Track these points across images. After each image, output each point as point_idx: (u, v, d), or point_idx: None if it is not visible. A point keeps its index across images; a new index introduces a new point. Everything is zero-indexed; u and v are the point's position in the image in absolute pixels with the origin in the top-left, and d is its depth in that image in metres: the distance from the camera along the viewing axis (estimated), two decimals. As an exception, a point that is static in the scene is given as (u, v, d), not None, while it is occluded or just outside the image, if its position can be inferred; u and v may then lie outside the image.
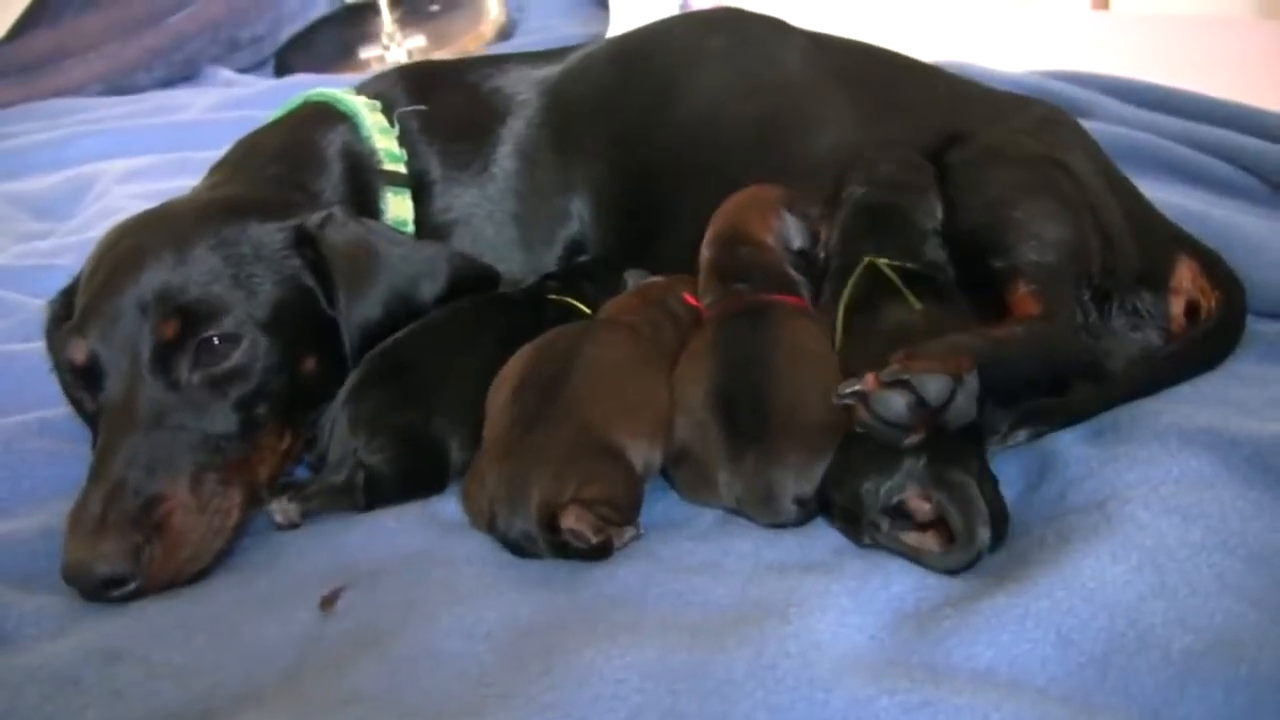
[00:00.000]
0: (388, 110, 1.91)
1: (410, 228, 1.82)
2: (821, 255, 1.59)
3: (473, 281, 1.69)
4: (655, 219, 1.84)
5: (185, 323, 1.43)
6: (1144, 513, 1.21)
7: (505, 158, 1.92)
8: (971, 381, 1.19)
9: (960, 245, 1.55)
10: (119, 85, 4.12)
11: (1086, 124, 1.94)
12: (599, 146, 1.93)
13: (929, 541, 1.21)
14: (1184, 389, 1.51)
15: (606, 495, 1.25)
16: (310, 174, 1.79)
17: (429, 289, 1.63)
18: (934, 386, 1.17)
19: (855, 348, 1.40)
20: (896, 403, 1.17)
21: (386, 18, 4.32)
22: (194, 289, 1.45)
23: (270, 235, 1.53)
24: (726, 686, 1.00)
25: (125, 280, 1.45)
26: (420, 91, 1.97)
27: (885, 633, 1.09)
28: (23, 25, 4.46)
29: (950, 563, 1.18)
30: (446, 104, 1.96)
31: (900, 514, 1.21)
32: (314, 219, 1.56)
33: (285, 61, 4.32)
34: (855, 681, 1.00)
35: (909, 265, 1.48)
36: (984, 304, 1.51)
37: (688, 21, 2.10)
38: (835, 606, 1.10)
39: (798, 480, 1.28)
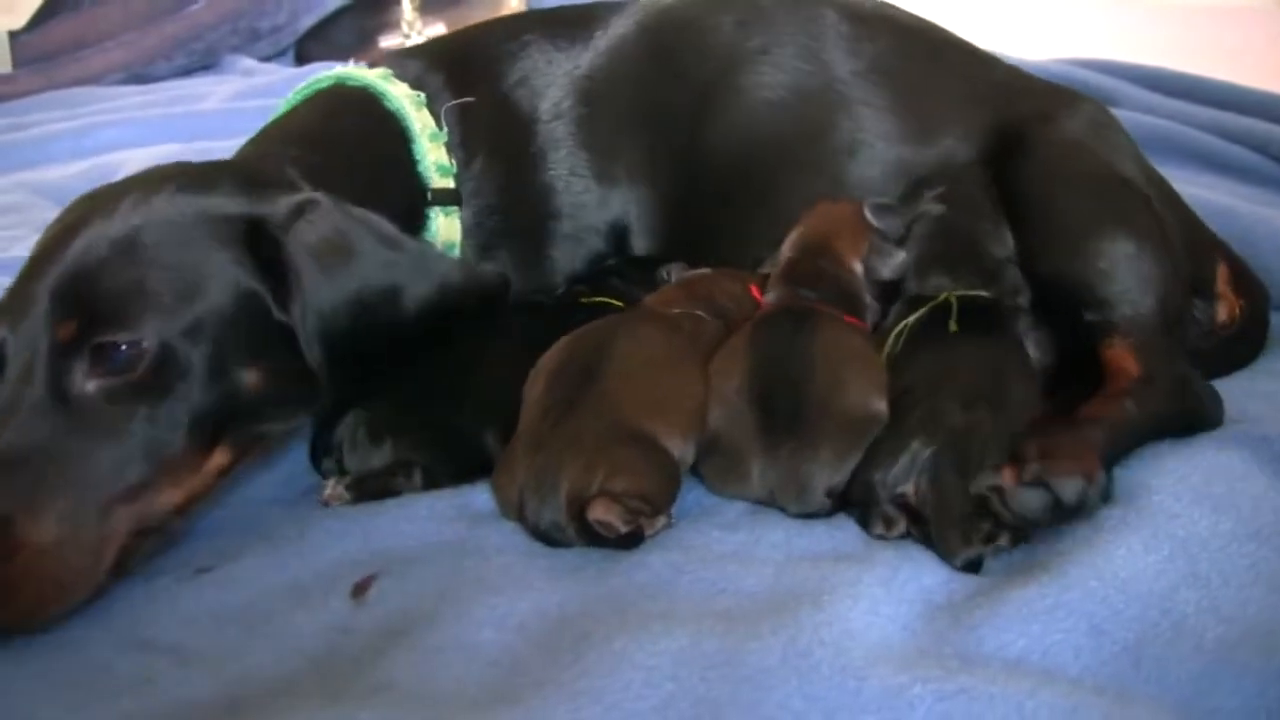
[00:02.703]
0: (431, 104, 1.71)
1: (457, 251, 1.66)
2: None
3: (471, 294, 1.50)
4: (694, 240, 1.76)
5: (85, 322, 1.24)
6: (1175, 503, 1.21)
7: (543, 177, 1.76)
8: (1102, 479, 1.21)
9: (1041, 286, 1.54)
10: (139, 74, 4.14)
11: (1113, 111, 1.94)
12: (639, 165, 1.80)
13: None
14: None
15: (636, 488, 1.25)
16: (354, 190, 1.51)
17: (411, 300, 1.41)
18: (1071, 490, 1.18)
19: (906, 367, 1.40)
20: (1035, 502, 1.18)
21: (407, 6, 4.31)
22: (106, 280, 1.26)
23: (222, 223, 1.33)
24: (760, 674, 1.00)
25: (47, 261, 1.29)
26: (457, 81, 1.76)
27: (918, 622, 1.09)
28: (43, 14, 4.48)
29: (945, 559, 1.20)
30: (481, 101, 1.76)
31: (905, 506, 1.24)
32: (284, 206, 1.35)
33: (305, 50, 4.33)
34: (888, 670, 1.00)
35: (984, 294, 1.47)
36: (1065, 342, 1.53)
37: (719, 10, 1.90)
38: (868, 595, 1.10)
39: (831, 473, 1.29)
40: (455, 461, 1.40)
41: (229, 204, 1.35)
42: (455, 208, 1.67)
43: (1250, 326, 1.68)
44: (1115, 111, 2.01)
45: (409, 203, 1.63)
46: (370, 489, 1.38)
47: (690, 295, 1.56)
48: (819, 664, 1.01)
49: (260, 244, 1.33)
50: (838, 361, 1.38)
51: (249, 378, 1.31)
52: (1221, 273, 1.69)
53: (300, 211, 1.34)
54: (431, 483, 1.39)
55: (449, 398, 1.43)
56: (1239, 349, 1.66)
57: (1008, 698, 0.96)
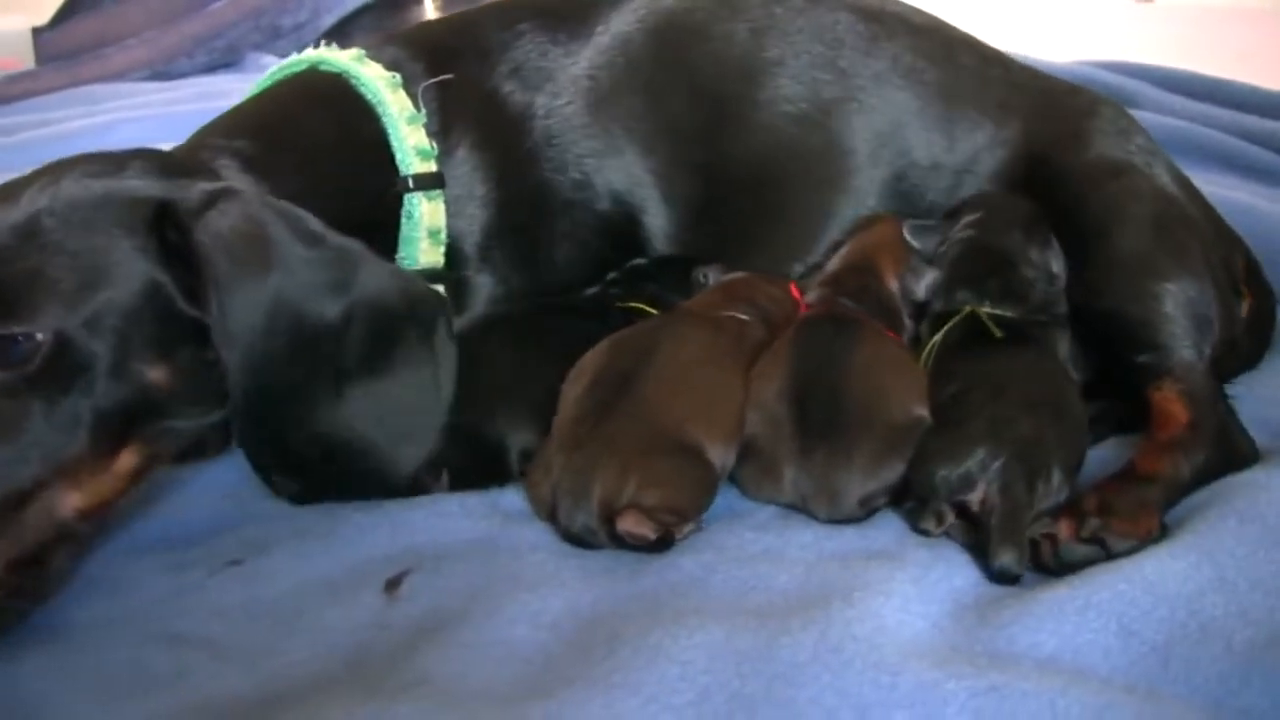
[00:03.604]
0: (409, 86, 1.61)
1: (444, 236, 1.58)
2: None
3: (402, 302, 1.37)
4: (709, 248, 1.71)
5: None
6: (1199, 519, 1.23)
7: (539, 175, 1.67)
8: (1154, 535, 1.23)
9: (1095, 322, 1.54)
10: (161, 72, 4.14)
11: (1135, 114, 1.94)
12: (650, 173, 1.71)
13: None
14: (1238, 389, 1.55)
15: (668, 501, 1.25)
16: (322, 186, 1.46)
17: (332, 306, 1.29)
18: (1124, 547, 1.20)
19: (947, 373, 1.42)
20: (1086, 556, 1.19)
21: (428, 5, 4.33)
22: (3, 268, 1.18)
23: (128, 207, 1.23)
24: (793, 669, 1.01)
25: None
26: (440, 69, 1.66)
27: (948, 620, 1.10)
28: (65, 11, 4.50)
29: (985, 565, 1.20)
30: (468, 90, 1.67)
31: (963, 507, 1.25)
32: (197, 192, 1.25)
33: (326, 48, 4.33)
34: (921, 665, 1.01)
35: (1008, 315, 1.48)
36: (1104, 366, 1.53)
37: (730, 16, 1.81)
38: (900, 593, 1.11)
39: (864, 481, 1.29)
40: (483, 467, 1.40)
41: (138, 188, 1.26)
42: (439, 191, 1.59)
43: (1256, 323, 1.68)
44: (1137, 113, 2.01)
45: (384, 190, 1.56)
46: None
47: (732, 298, 1.55)
48: (851, 659, 1.01)
49: (169, 231, 1.24)
50: (879, 369, 1.39)
51: (155, 373, 1.24)
52: (1241, 270, 1.70)
53: (214, 199, 1.25)
54: (458, 485, 1.39)
55: (483, 402, 1.42)
56: (1246, 346, 1.66)
57: (1040, 695, 0.97)
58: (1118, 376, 1.50)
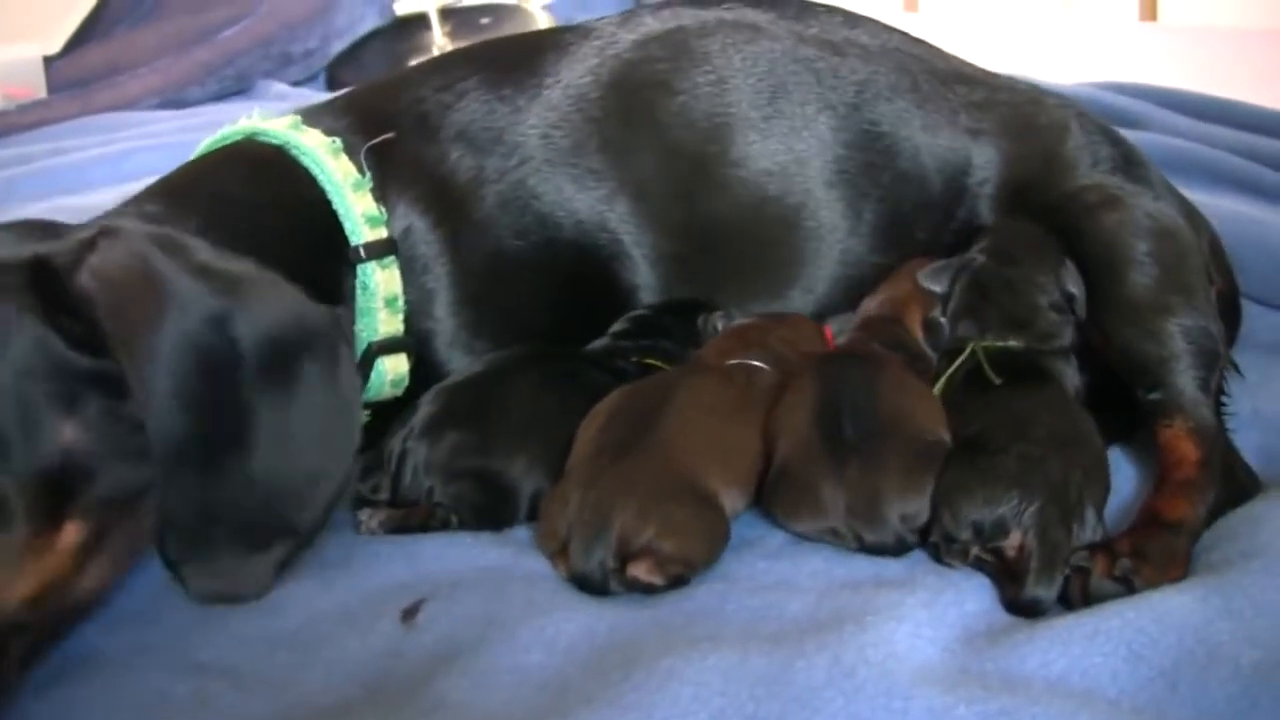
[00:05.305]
0: (350, 151, 1.53)
1: (401, 304, 1.52)
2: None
3: (302, 327, 1.28)
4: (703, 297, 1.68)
5: None
6: (1206, 556, 1.26)
7: (495, 242, 1.60)
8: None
9: (1107, 358, 1.54)
10: (172, 99, 4.15)
11: (1141, 135, 1.95)
12: (622, 230, 1.65)
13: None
14: (1244, 410, 1.56)
15: (683, 552, 1.24)
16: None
17: (224, 338, 1.21)
18: (1146, 589, 1.20)
19: (964, 411, 1.41)
20: (1111, 592, 1.20)
21: (437, 31, 4.34)
22: None
23: (5, 271, 1.15)
24: (807, 693, 1.02)
25: None
26: (378, 135, 1.57)
27: (958, 645, 1.11)
28: (76, 40, 4.52)
29: (1009, 597, 1.21)
30: (413, 157, 1.59)
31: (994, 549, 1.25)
32: (73, 241, 1.17)
33: (336, 75, 4.35)
34: (932, 690, 1.01)
35: (1011, 344, 1.48)
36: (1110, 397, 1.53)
37: (689, 67, 1.73)
38: (911, 618, 1.12)
39: (901, 491, 1.29)
40: (493, 510, 1.40)
41: (16, 250, 1.17)
42: (392, 258, 1.51)
43: (1223, 308, 1.65)
44: (1144, 134, 2.02)
45: (332, 264, 1.48)
46: (406, 527, 1.39)
47: (745, 344, 1.54)
48: (864, 684, 1.02)
49: (50, 286, 1.14)
50: (902, 392, 1.40)
51: (66, 434, 1.13)
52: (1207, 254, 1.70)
53: (92, 243, 1.16)
54: (467, 526, 1.39)
55: (497, 445, 1.41)
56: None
57: (1050, 718, 0.98)
58: (1131, 416, 1.50)
